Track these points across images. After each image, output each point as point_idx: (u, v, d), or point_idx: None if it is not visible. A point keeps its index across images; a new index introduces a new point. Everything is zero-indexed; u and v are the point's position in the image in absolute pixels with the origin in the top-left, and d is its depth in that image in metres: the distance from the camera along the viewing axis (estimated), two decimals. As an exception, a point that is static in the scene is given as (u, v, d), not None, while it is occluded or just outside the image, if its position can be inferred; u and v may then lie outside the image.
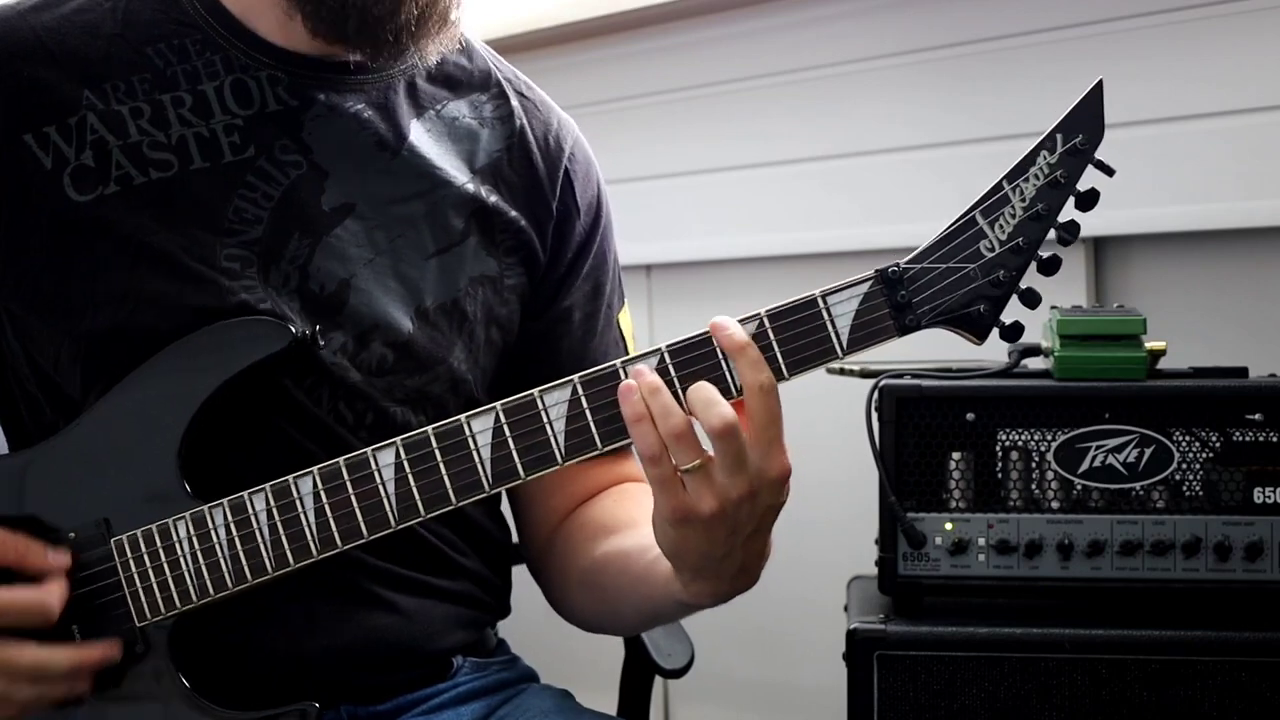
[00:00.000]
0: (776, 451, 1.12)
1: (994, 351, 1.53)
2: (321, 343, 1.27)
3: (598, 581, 1.37)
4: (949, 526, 1.49)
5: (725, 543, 1.14)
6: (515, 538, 1.50)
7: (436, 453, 1.18)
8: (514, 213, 1.38)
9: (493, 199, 1.37)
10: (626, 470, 1.46)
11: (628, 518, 1.38)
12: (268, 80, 1.31)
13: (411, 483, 1.19)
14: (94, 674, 1.23)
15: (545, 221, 1.40)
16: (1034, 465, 1.49)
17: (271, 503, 1.21)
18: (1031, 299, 1.15)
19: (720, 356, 1.13)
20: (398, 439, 1.19)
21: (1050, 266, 1.14)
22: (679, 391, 1.13)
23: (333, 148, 1.31)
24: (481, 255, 1.36)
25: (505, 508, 1.48)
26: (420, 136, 1.35)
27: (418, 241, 1.33)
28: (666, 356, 1.14)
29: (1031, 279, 1.14)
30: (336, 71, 1.32)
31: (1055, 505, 1.48)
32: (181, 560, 1.23)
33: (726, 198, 2.35)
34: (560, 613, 1.47)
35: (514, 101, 1.42)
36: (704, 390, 1.12)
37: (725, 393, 1.12)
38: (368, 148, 1.33)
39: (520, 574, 1.50)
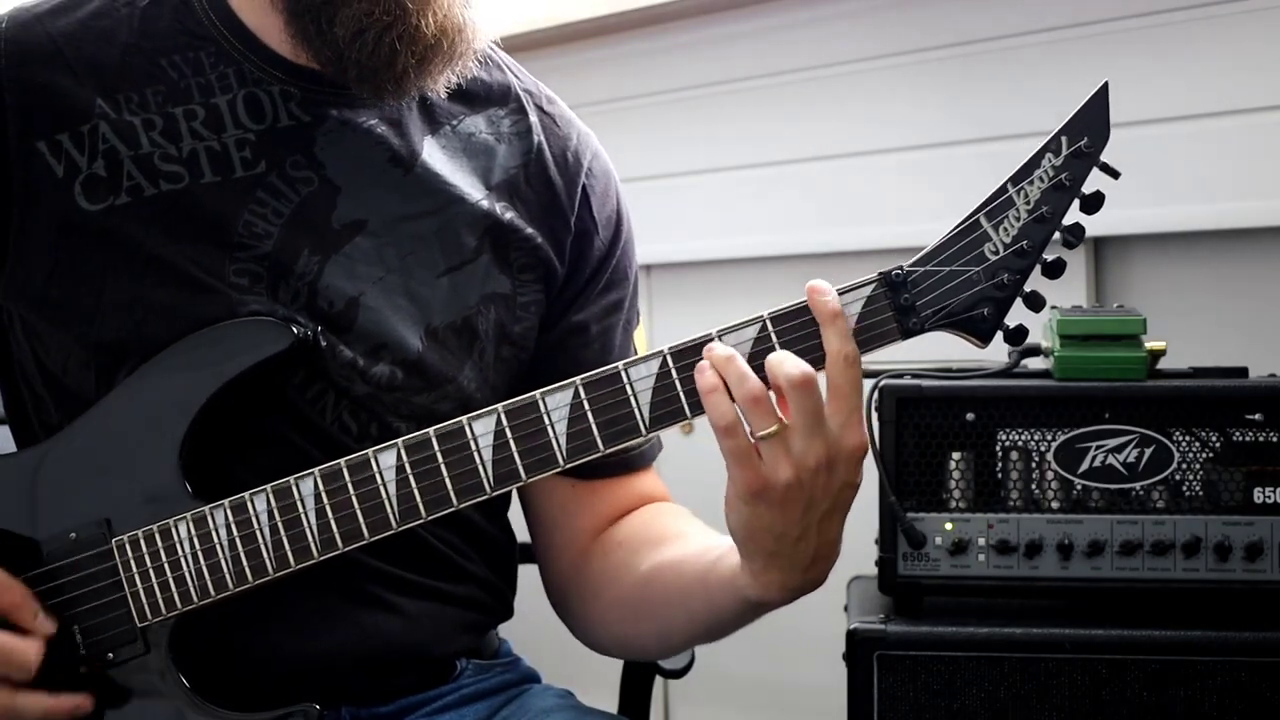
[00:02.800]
0: (855, 422, 1.12)
1: (994, 351, 1.53)
2: (324, 343, 1.27)
3: (646, 595, 1.35)
4: (949, 526, 1.49)
5: (800, 521, 1.13)
6: (523, 543, 1.49)
7: (438, 454, 1.18)
8: (530, 230, 1.37)
9: (508, 216, 1.36)
10: (650, 488, 1.44)
11: (674, 529, 1.37)
12: (280, 95, 1.30)
13: (413, 484, 1.19)
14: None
15: (563, 238, 1.39)
16: (1034, 465, 1.49)
17: (273, 503, 1.21)
18: (1036, 302, 1.15)
19: None
20: (399, 440, 1.19)
21: (1055, 269, 1.14)
22: (680, 394, 1.13)
23: (345, 164, 1.30)
24: (494, 273, 1.35)
25: (511, 512, 1.47)
26: (434, 153, 1.34)
27: (429, 259, 1.32)
28: (669, 359, 1.14)
29: (1035, 282, 1.14)
30: (350, 88, 1.30)
31: (1055, 505, 1.48)
32: (182, 561, 1.23)
33: (726, 198, 2.35)
34: (590, 640, 1.44)
35: (533, 116, 1.41)
36: (779, 353, 1.12)
37: None
38: (380, 164, 1.32)
39: (523, 576, 1.50)
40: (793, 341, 1.14)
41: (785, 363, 1.10)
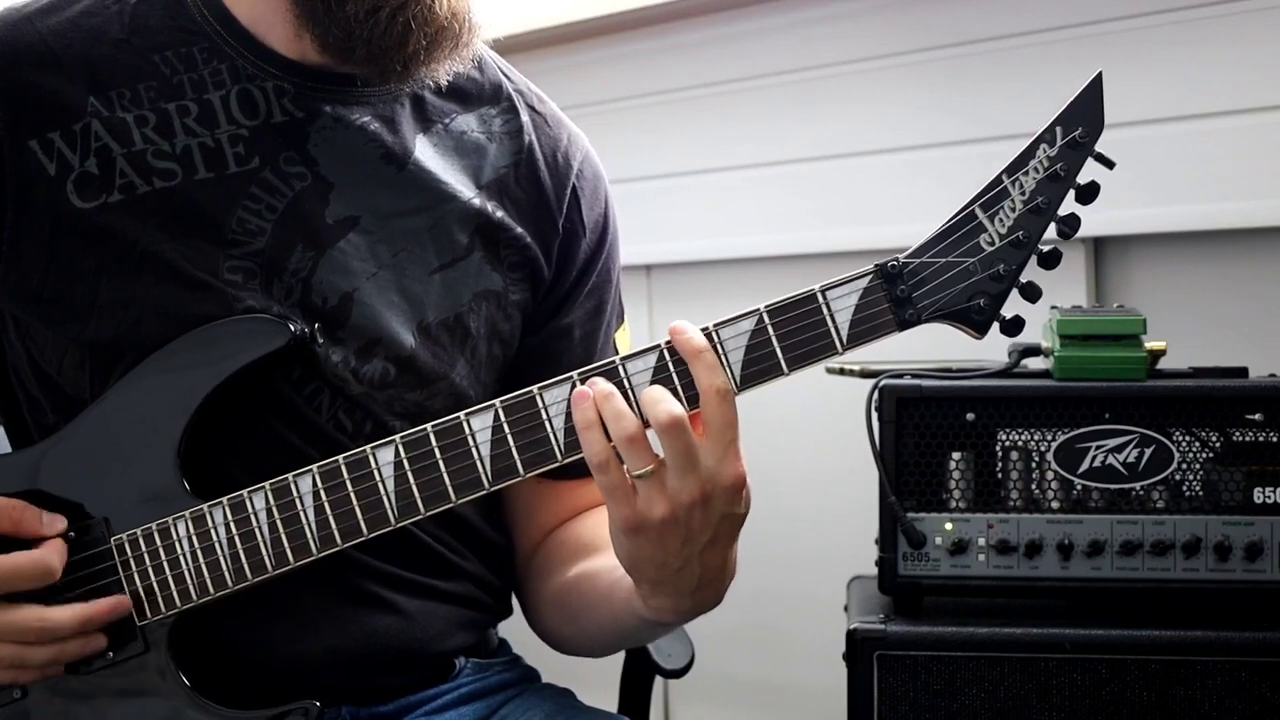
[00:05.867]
0: (731, 457, 1.12)
1: (994, 351, 1.53)
2: (320, 340, 1.27)
3: (568, 601, 1.37)
4: (949, 526, 1.49)
5: (680, 553, 1.14)
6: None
7: (436, 450, 1.18)
8: (519, 229, 1.37)
9: (498, 214, 1.36)
10: None
11: (607, 537, 1.38)
12: (274, 91, 1.30)
13: (411, 480, 1.19)
14: (107, 628, 1.23)
15: (551, 239, 1.40)
16: (1034, 465, 1.49)
17: (271, 501, 1.21)
18: (1032, 293, 1.15)
19: (721, 351, 1.13)
20: (397, 437, 1.19)
21: (1051, 260, 1.14)
22: (678, 388, 1.13)
23: (338, 160, 1.30)
24: (486, 270, 1.35)
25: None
26: (426, 151, 1.34)
27: (421, 256, 1.33)
28: (666, 353, 1.15)
29: (1032, 273, 1.14)
30: (344, 84, 1.31)
31: (1055, 505, 1.48)
32: (181, 559, 1.23)
33: (726, 198, 2.35)
34: (536, 631, 1.46)
35: (524, 116, 1.41)
36: (654, 390, 1.12)
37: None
38: (373, 161, 1.32)
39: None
40: (790, 334, 1.14)
41: (657, 404, 1.11)
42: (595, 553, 1.36)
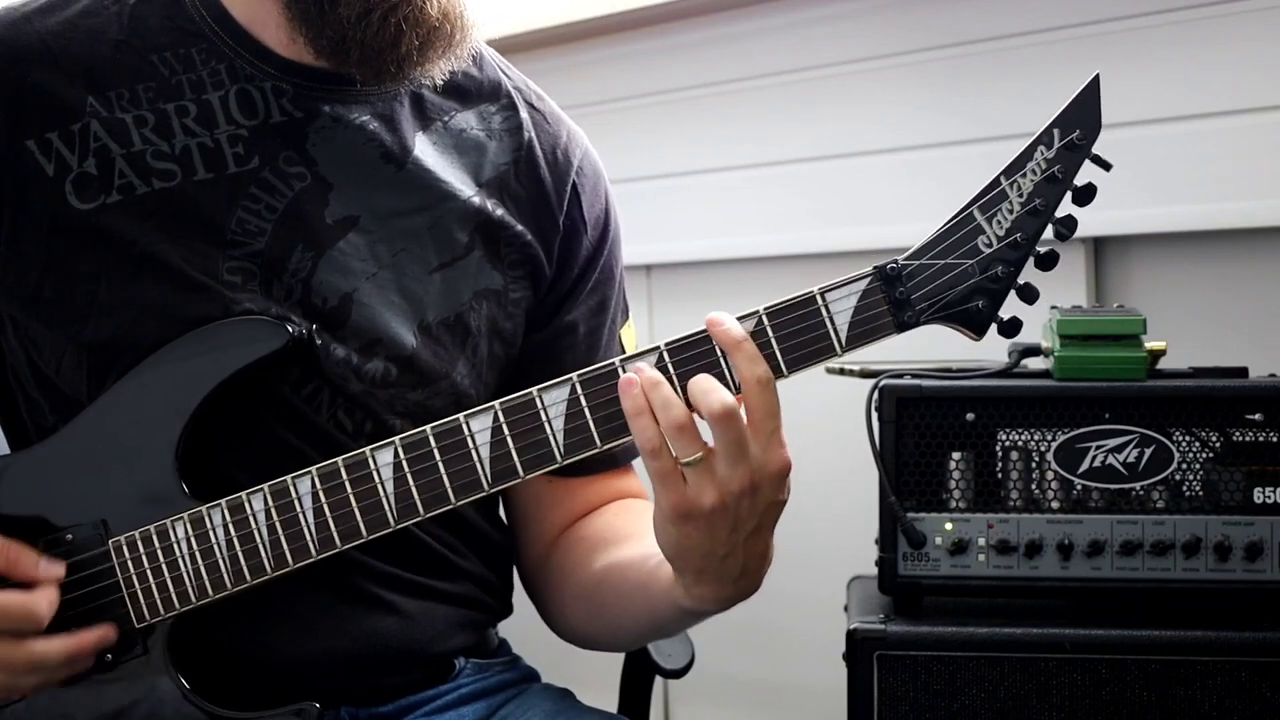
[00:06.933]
0: (776, 445, 1.12)
1: (994, 351, 1.53)
2: (318, 341, 1.27)
3: (596, 595, 1.37)
4: (949, 526, 1.49)
5: (727, 541, 1.14)
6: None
7: (435, 452, 1.18)
8: (519, 226, 1.37)
9: (498, 212, 1.36)
10: (627, 486, 1.45)
11: (630, 530, 1.37)
12: (272, 91, 1.30)
13: (410, 482, 1.19)
14: (94, 654, 1.23)
15: (552, 236, 1.40)
16: (1034, 465, 1.49)
17: (270, 503, 1.21)
18: (1029, 294, 1.15)
19: (719, 353, 1.14)
20: (396, 439, 1.19)
21: (1048, 262, 1.14)
22: (678, 389, 1.13)
23: (337, 160, 1.30)
24: (486, 269, 1.35)
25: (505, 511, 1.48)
26: (426, 149, 1.34)
27: (421, 255, 1.32)
28: (665, 355, 1.14)
29: (1029, 274, 1.14)
30: (342, 83, 1.31)
31: (1055, 505, 1.48)
32: (180, 561, 1.23)
33: (726, 198, 2.35)
34: (556, 630, 1.45)
35: (523, 113, 1.41)
36: (703, 380, 1.12)
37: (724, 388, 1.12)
38: (372, 160, 1.32)
39: (520, 574, 1.50)
40: (789, 336, 1.14)
41: (708, 394, 1.11)
42: (619, 545, 1.36)
